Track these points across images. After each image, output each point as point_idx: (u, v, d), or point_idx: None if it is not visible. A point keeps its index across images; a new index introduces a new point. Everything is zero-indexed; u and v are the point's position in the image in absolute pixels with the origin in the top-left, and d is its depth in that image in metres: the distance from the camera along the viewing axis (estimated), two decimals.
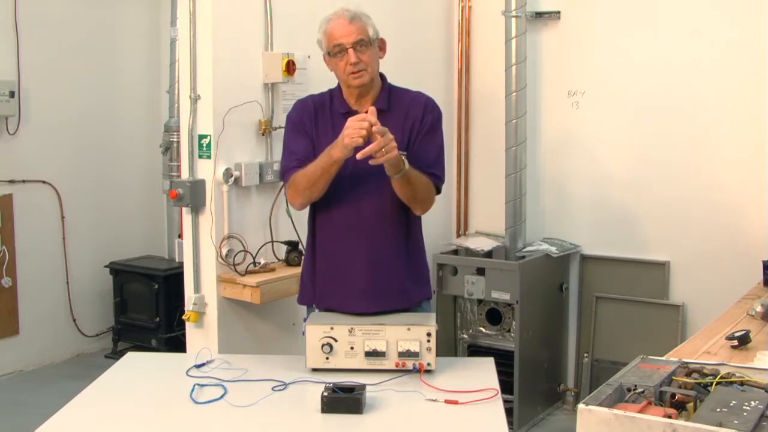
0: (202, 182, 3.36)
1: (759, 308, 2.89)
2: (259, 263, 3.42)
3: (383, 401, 2.17)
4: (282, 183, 2.80)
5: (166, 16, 5.46)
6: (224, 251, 3.37)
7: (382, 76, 2.61)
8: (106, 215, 5.63)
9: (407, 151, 2.48)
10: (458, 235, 4.87)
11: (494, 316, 4.40)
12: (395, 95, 2.60)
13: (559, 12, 4.46)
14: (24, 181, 5.13)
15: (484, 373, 2.41)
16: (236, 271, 3.35)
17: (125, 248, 5.60)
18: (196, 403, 2.20)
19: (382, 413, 2.11)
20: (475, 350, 4.42)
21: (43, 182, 5.26)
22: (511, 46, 4.32)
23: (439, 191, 2.58)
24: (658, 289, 4.28)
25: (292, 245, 3.53)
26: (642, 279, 4.33)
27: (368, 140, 2.30)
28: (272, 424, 2.10)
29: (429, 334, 2.36)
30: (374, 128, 2.27)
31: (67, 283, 5.42)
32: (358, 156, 2.29)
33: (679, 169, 4.20)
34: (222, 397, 2.23)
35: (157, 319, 5.16)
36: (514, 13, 4.30)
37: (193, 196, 3.33)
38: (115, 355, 5.26)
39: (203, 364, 2.47)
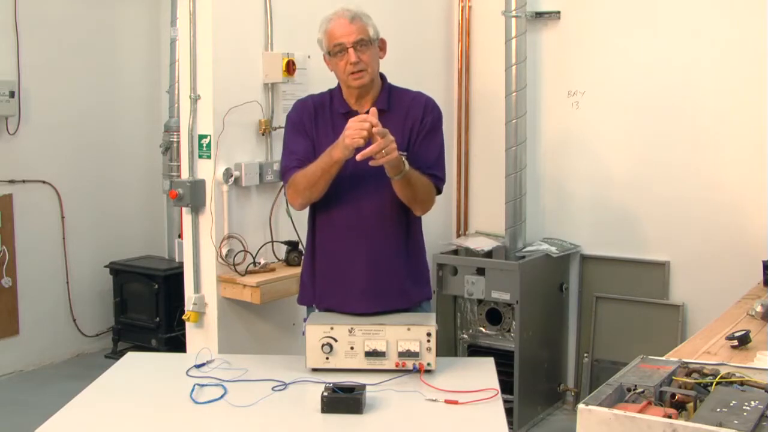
0: (202, 182, 3.36)
1: (759, 308, 2.89)
2: (259, 263, 3.42)
3: (383, 401, 2.17)
4: (282, 183, 2.80)
5: (166, 16, 5.46)
6: (224, 251, 3.37)
7: (382, 77, 2.61)
8: (106, 215, 5.63)
9: (407, 152, 2.47)
10: (458, 235, 4.87)
11: (494, 316, 4.40)
12: (395, 95, 2.59)
13: (559, 12, 4.46)
14: (24, 181, 5.13)
15: (484, 373, 2.40)
16: (236, 271, 3.35)
17: (125, 248, 5.60)
18: (196, 403, 2.20)
19: (382, 413, 2.11)
20: (475, 350, 4.42)
21: (43, 182, 5.26)
22: (511, 46, 4.32)
23: (439, 192, 2.58)
24: (658, 289, 4.28)
25: (292, 245, 3.54)
26: (642, 279, 4.33)
27: (369, 141, 2.30)
28: (272, 424, 2.10)
29: (429, 334, 2.36)
30: (375, 129, 2.27)
31: (67, 283, 5.42)
32: (359, 157, 2.29)
33: (679, 169, 4.20)
34: (222, 397, 2.23)
35: (157, 319, 5.16)
36: (514, 13, 4.30)
37: (193, 196, 3.33)
38: (115, 355, 5.26)
39: (203, 364, 2.47)
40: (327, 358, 2.37)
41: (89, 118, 5.50)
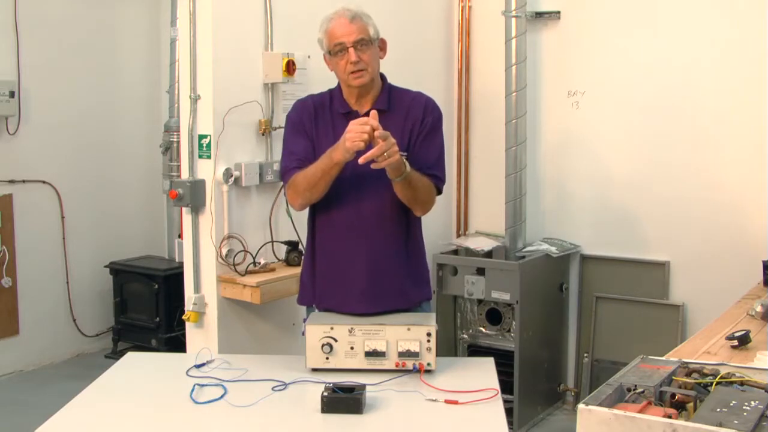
0: (202, 182, 3.36)
1: (759, 308, 2.89)
2: (259, 263, 3.42)
3: (383, 401, 2.17)
4: (282, 183, 2.80)
5: (166, 16, 5.46)
6: (224, 251, 3.37)
7: (383, 77, 2.61)
8: (106, 215, 5.63)
9: (407, 152, 2.47)
10: (458, 235, 4.87)
11: (494, 316, 4.40)
12: (395, 95, 2.59)
13: (559, 12, 4.46)
14: (24, 181, 5.13)
15: (484, 373, 2.40)
16: (236, 271, 3.35)
17: (125, 248, 5.60)
18: (196, 403, 2.20)
19: (382, 413, 2.11)
20: (475, 350, 4.42)
21: (43, 182, 5.26)
22: (511, 46, 4.32)
23: (439, 192, 2.58)
24: (658, 289, 4.28)
25: (292, 245, 3.54)
26: (642, 279, 4.33)
27: (370, 144, 2.29)
28: (272, 424, 2.10)
29: (429, 334, 2.36)
30: (376, 133, 2.26)
31: (67, 283, 5.42)
32: (360, 160, 2.28)
33: (679, 169, 4.20)
34: (222, 397, 2.23)
35: (157, 319, 5.16)
36: (514, 13, 4.30)
37: (193, 196, 3.33)
38: (115, 355, 5.26)
39: (203, 364, 2.47)
40: (327, 358, 2.37)
41: (89, 118, 5.50)
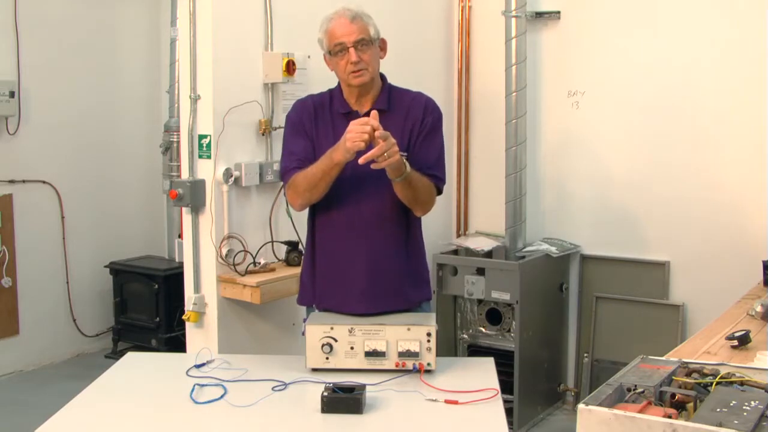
0: (202, 182, 3.36)
1: (759, 308, 2.89)
2: (259, 263, 3.42)
3: (383, 401, 2.17)
4: (282, 183, 2.80)
5: (166, 16, 5.46)
6: (224, 251, 3.37)
7: (382, 77, 2.61)
8: (106, 215, 5.63)
9: (407, 152, 2.47)
10: (458, 235, 4.87)
11: (494, 316, 4.40)
12: (395, 95, 2.59)
13: (559, 12, 4.46)
14: (24, 181, 5.13)
15: (484, 373, 2.40)
16: (236, 271, 3.35)
17: (125, 248, 5.60)
18: (196, 403, 2.20)
19: (382, 413, 2.11)
20: (475, 350, 4.42)
21: (43, 182, 5.26)
22: (511, 46, 4.32)
23: (440, 192, 2.58)
24: (658, 289, 4.28)
25: (292, 245, 3.54)
26: (642, 279, 4.33)
27: (370, 144, 2.29)
28: (272, 424, 2.10)
29: (429, 334, 2.36)
30: (377, 133, 2.26)
31: (67, 283, 5.42)
32: (361, 161, 2.28)
33: (679, 169, 4.20)
34: (222, 397, 2.23)
35: (157, 319, 5.16)
36: (514, 13, 4.30)
37: (193, 196, 3.33)
38: (115, 355, 5.26)
39: (203, 364, 2.47)
40: (327, 358, 2.37)
41: (89, 118, 5.50)
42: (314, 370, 2.38)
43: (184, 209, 3.44)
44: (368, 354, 2.36)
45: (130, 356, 2.69)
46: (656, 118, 4.25)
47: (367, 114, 2.43)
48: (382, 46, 2.58)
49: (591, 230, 4.50)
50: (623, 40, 4.32)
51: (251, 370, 2.42)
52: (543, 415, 4.41)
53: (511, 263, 4.25)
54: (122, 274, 5.37)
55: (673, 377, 1.85)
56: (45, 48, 5.20)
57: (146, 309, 5.22)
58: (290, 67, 3.49)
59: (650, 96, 4.25)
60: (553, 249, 4.38)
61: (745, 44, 3.98)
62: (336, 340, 2.37)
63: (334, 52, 2.49)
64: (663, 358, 2.09)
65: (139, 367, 2.59)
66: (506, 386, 3.93)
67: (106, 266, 5.41)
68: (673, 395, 1.75)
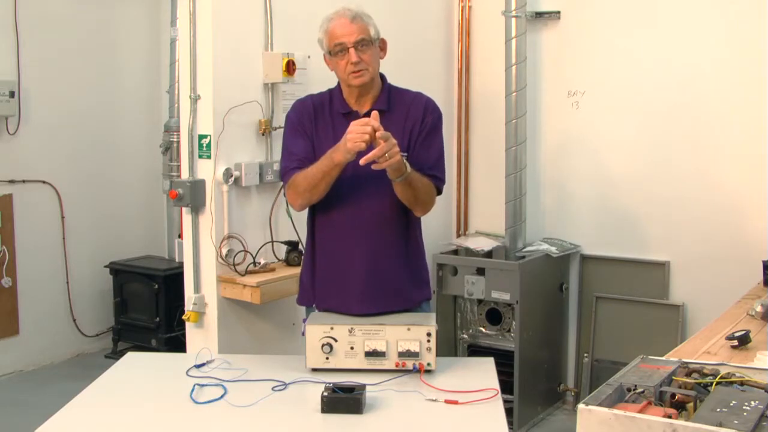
0: (202, 182, 3.36)
1: (759, 308, 2.89)
2: (259, 263, 3.43)
3: (383, 401, 2.17)
4: (282, 183, 2.80)
5: (166, 16, 5.46)
6: (224, 251, 3.37)
7: (382, 77, 2.61)
8: (106, 215, 5.63)
9: (407, 152, 2.47)
10: (458, 235, 4.87)
11: (494, 316, 4.40)
12: (395, 95, 2.59)
13: (559, 12, 4.46)
14: (24, 181, 5.13)
15: (484, 373, 2.41)
16: (236, 271, 3.35)
17: (125, 248, 5.60)
18: (196, 403, 2.20)
19: (382, 413, 2.11)
20: (475, 350, 4.42)
21: (43, 182, 5.26)
22: (511, 46, 4.32)
23: (439, 192, 2.58)
24: (658, 289, 4.28)
25: (292, 245, 3.54)
26: (642, 279, 4.33)
27: (371, 144, 2.29)
28: (272, 424, 2.10)
29: (429, 334, 2.36)
30: (378, 133, 2.26)
31: (67, 283, 5.42)
32: (362, 162, 2.28)
33: (679, 169, 4.20)
34: (222, 397, 2.23)
35: (157, 319, 5.16)
36: (514, 13, 4.30)
37: (193, 196, 3.33)
38: (115, 355, 5.26)
39: (203, 364, 2.47)
40: (327, 358, 2.37)
41: (89, 118, 5.50)
42: (314, 370, 2.38)
43: (184, 209, 3.44)
44: (368, 354, 2.37)
45: (130, 356, 2.69)
46: (656, 118, 4.25)
47: (367, 114, 2.44)
48: (382, 46, 2.58)
49: (591, 230, 4.50)
50: (623, 40, 4.32)
51: (251, 370, 2.42)
52: (543, 415, 4.41)
53: (511, 263, 4.25)
54: (122, 274, 5.37)
55: (673, 377, 1.85)
56: (45, 48, 5.20)
57: (146, 309, 5.21)
58: (290, 67, 3.49)
59: (650, 96, 4.25)
60: (553, 249, 4.38)
61: (745, 44, 3.98)
62: (336, 340, 2.37)
63: (334, 52, 2.49)
64: (663, 358, 2.09)
65: (139, 367, 2.59)
66: (506, 386, 3.93)
67: (106, 266, 5.41)
68: (673, 395, 1.75)
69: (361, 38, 2.46)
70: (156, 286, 5.15)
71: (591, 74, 4.43)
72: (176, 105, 4.80)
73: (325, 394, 2.11)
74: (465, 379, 2.32)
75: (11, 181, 5.07)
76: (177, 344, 4.96)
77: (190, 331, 3.46)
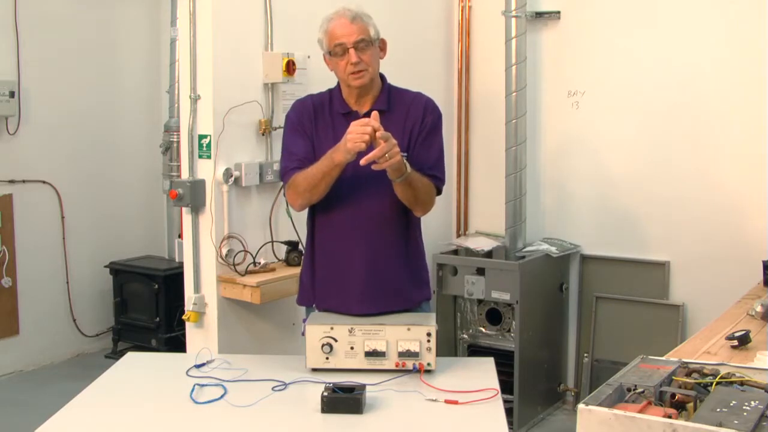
0: (202, 182, 3.36)
1: (759, 308, 2.89)
2: (259, 263, 3.42)
3: (383, 401, 2.17)
4: (282, 183, 2.80)
5: (166, 16, 5.46)
6: (224, 251, 3.37)
7: (382, 77, 2.61)
8: (106, 215, 5.63)
9: (407, 152, 2.47)
10: (458, 235, 4.87)
11: (494, 316, 4.40)
12: (395, 95, 2.59)
13: (559, 12, 4.46)
14: (24, 181, 5.13)
15: (484, 373, 2.41)
16: (236, 271, 3.35)
17: (125, 248, 5.60)
18: (196, 403, 2.20)
19: (382, 413, 2.11)
20: (475, 350, 4.42)
21: (43, 182, 5.26)
22: (511, 46, 4.32)
23: (439, 192, 2.58)
24: (658, 289, 4.28)
25: (292, 245, 3.54)
26: (642, 279, 4.33)
27: (371, 144, 2.29)
28: (272, 424, 2.10)
29: (429, 334, 2.36)
30: (378, 134, 2.26)
31: (67, 283, 5.42)
32: (362, 162, 2.28)
33: (680, 169, 4.20)
34: (222, 397, 2.23)
35: (157, 319, 5.16)
36: (514, 13, 4.30)
37: (193, 196, 3.33)
38: (115, 355, 5.26)
39: (203, 364, 2.47)
40: (327, 358, 2.37)
41: (89, 118, 5.50)
42: (314, 370, 2.38)
43: (184, 209, 3.44)
44: (368, 354, 2.37)
45: (130, 356, 2.69)
46: (656, 118, 4.25)
47: (367, 114, 2.44)
48: (382, 46, 2.58)
49: (591, 230, 4.50)
50: (623, 40, 4.32)
51: (251, 370, 2.42)
52: (543, 415, 4.41)
53: (511, 263, 4.25)
54: (122, 274, 5.37)
55: (673, 377, 1.85)
56: (45, 48, 5.20)
57: (146, 309, 5.21)
58: (290, 67, 3.49)
59: (650, 96, 4.25)
60: (553, 249, 4.38)
61: (745, 44, 3.98)
62: (336, 340, 2.37)
63: (334, 52, 2.49)
64: (663, 358, 2.09)
65: (139, 367, 2.59)
66: (506, 386, 3.93)
67: (106, 266, 5.41)
68: (673, 395, 1.75)
69: (360, 39, 2.46)
70: (156, 286, 5.15)
71: (591, 74, 4.43)
72: (176, 105, 4.80)
73: (325, 394, 2.11)
74: (465, 379, 2.32)
75: (11, 181, 5.07)
76: (177, 344, 4.96)
77: (190, 331, 3.46)
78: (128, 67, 5.74)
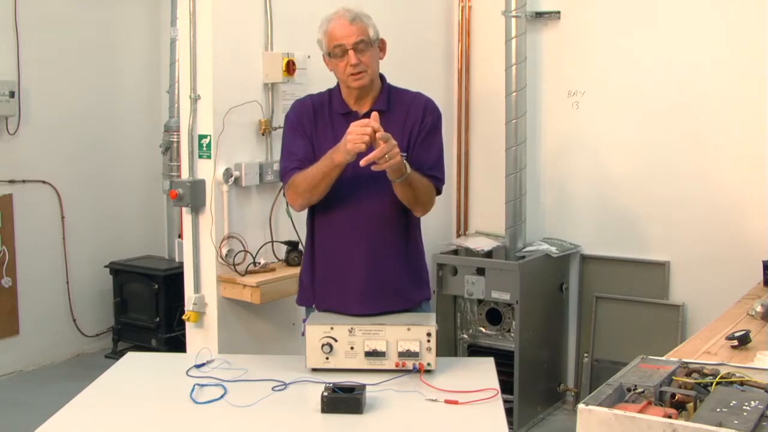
0: (202, 182, 3.36)
1: (759, 308, 2.89)
2: (259, 263, 3.42)
3: (383, 401, 2.17)
4: (282, 183, 2.80)
5: (166, 16, 5.46)
6: (224, 251, 3.37)
7: (382, 77, 2.60)
8: (106, 215, 5.63)
9: (407, 153, 2.47)
10: (458, 235, 4.87)
11: (494, 316, 4.40)
12: (395, 96, 2.59)
13: (559, 12, 4.46)
14: (24, 181, 5.13)
15: (484, 373, 2.41)
16: (236, 271, 3.35)
17: (125, 248, 5.60)
18: (196, 403, 2.20)
19: (382, 413, 2.11)
20: (475, 350, 4.42)
21: (43, 182, 5.26)
22: (511, 46, 4.32)
23: (439, 192, 2.58)
24: (658, 289, 4.28)
25: (292, 245, 3.54)
26: (642, 279, 4.33)
27: (371, 145, 2.29)
28: (272, 424, 2.10)
29: (429, 334, 2.36)
30: (378, 134, 2.26)
31: (67, 283, 5.42)
32: (362, 163, 2.28)
33: (680, 169, 4.20)
34: (222, 397, 2.23)
35: (157, 319, 5.16)
36: (514, 13, 4.30)
37: (193, 196, 3.33)
38: (115, 355, 5.26)
39: (203, 364, 2.47)
40: (327, 358, 2.37)
41: (89, 118, 5.50)
42: (314, 370, 2.38)
43: (184, 209, 3.44)
44: (368, 354, 2.37)
45: (130, 356, 2.69)
46: (656, 118, 4.25)
47: (367, 115, 2.44)
48: (382, 46, 2.58)
49: (591, 230, 4.50)
50: (623, 40, 4.32)
51: (251, 370, 2.42)
52: (543, 415, 4.41)
53: (511, 263, 4.25)
54: (122, 274, 5.37)
55: (673, 377, 1.85)
56: (45, 48, 5.20)
57: (146, 309, 5.21)
58: (290, 67, 3.49)
59: (650, 96, 4.25)
60: (553, 249, 4.38)
61: (745, 44, 3.98)
62: (336, 340, 2.37)
63: (334, 53, 2.49)
64: (663, 358, 2.09)
65: (139, 367, 2.60)
66: (506, 386, 3.93)
67: (106, 266, 5.41)
68: (673, 395, 1.75)
69: (360, 40, 2.46)
70: (156, 286, 5.15)
71: (591, 74, 4.43)
72: (176, 105, 4.80)
73: (325, 394, 2.11)
74: (465, 379, 2.32)
75: (11, 181, 5.07)
76: (177, 344, 4.96)
77: (190, 331, 3.46)
78: (128, 67, 5.74)
